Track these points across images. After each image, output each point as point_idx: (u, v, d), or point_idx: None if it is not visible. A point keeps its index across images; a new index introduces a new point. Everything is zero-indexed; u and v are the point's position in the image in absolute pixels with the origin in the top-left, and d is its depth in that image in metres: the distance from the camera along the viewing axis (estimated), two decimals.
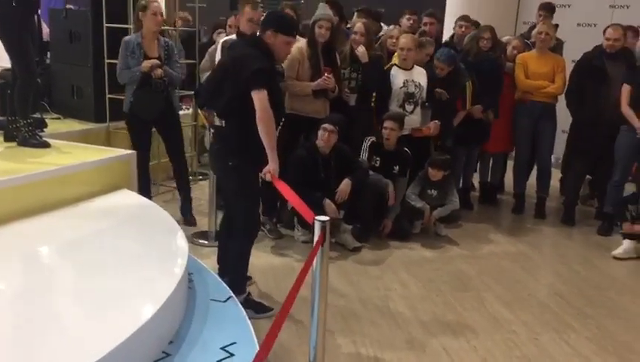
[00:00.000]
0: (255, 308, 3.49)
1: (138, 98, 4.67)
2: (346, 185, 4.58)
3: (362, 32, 4.96)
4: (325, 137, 4.56)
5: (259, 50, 3.28)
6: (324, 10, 4.70)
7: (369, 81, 5.00)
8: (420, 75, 5.16)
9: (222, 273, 3.66)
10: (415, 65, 5.17)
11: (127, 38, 4.74)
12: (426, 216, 4.98)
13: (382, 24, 6.32)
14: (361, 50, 4.94)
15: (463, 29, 6.01)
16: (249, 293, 3.58)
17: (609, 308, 3.90)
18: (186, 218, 5.03)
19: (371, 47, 5.10)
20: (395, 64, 5.18)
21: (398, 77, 5.10)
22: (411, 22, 6.00)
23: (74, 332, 2.28)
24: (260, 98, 3.15)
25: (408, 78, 5.10)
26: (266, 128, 3.19)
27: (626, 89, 5.07)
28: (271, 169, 3.26)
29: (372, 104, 5.19)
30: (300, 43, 4.55)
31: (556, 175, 6.03)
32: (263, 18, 3.61)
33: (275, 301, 3.64)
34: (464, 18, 6.17)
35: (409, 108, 5.10)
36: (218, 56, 4.67)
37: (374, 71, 5.04)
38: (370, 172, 4.88)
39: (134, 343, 2.21)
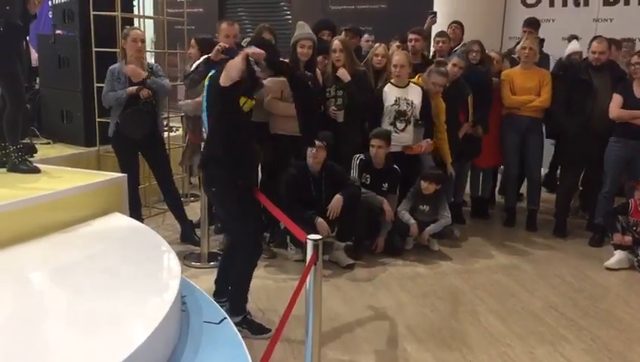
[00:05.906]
0: (253, 328, 3.47)
1: (125, 117, 4.71)
2: (337, 201, 4.57)
3: (340, 49, 4.94)
4: (314, 153, 4.57)
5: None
6: (304, 29, 4.72)
7: (354, 98, 4.98)
8: (414, 93, 5.11)
9: (217, 294, 3.65)
10: (411, 83, 5.17)
11: (112, 66, 4.86)
12: (413, 230, 4.97)
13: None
14: (341, 71, 4.91)
15: (440, 45, 6.07)
16: (248, 313, 3.55)
17: (603, 319, 3.91)
18: (192, 239, 4.99)
19: (354, 63, 5.07)
20: (390, 81, 5.16)
21: (390, 94, 5.07)
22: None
23: (67, 357, 2.26)
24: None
25: (401, 95, 5.06)
26: None
27: (617, 97, 5.08)
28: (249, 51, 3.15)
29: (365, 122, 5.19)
30: None
31: None
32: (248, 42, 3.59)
33: (269, 320, 3.63)
34: (441, 34, 6.25)
35: (400, 126, 5.07)
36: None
37: (359, 87, 5.00)
38: (363, 189, 4.88)
39: None
